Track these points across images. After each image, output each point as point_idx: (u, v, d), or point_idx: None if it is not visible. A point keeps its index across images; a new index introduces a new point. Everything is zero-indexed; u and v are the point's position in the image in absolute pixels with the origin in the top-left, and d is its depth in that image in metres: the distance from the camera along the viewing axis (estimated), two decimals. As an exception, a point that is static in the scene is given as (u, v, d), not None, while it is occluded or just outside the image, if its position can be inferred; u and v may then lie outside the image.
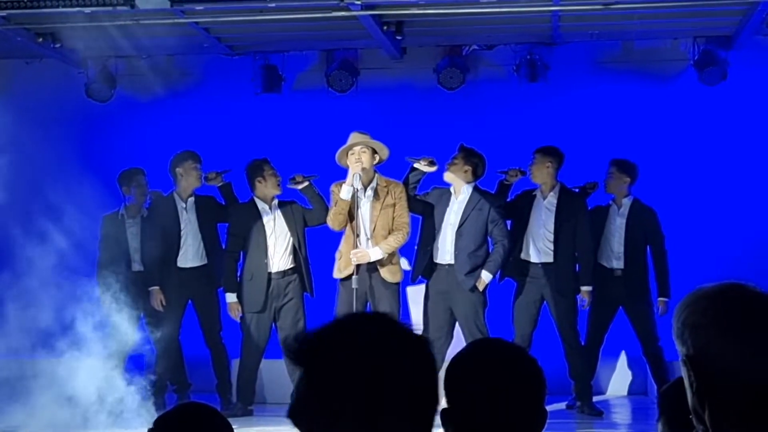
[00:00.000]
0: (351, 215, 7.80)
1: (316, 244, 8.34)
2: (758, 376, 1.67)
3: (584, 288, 8.18)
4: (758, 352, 1.70)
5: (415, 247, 8.21)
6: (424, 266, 8.09)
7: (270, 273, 8.12)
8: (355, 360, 1.49)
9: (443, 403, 2.10)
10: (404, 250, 8.15)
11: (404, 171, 8.38)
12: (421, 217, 8.18)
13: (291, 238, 8.16)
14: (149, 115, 9.69)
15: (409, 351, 1.52)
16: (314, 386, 1.52)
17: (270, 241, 8.13)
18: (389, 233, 7.84)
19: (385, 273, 7.81)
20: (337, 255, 7.96)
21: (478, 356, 2.08)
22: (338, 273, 7.90)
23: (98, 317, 8.26)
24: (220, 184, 8.46)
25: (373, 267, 7.79)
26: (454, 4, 8.27)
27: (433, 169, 8.00)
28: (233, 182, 8.51)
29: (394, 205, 7.86)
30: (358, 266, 7.68)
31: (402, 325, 1.55)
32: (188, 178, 8.40)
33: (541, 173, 8.24)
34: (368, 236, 7.82)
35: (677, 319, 1.78)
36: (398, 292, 7.95)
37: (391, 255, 7.85)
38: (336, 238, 8.04)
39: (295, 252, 8.18)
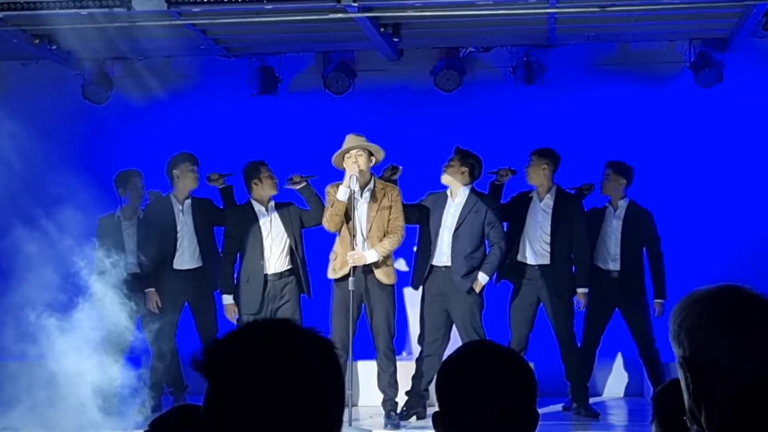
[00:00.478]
0: (347, 217, 7.81)
1: (311, 245, 8.34)
2: (754, 378, 1.67)
3: (580, 290, 8.19)
4: (754, 353, 1.70)
5: (414, 248, 8.21)
6: (425, 274, 8.09)
7: (266, 275, 8.12)
8: (259, 366, 1.50)
9: (435, 407, 2.10)
10: (399, 252, 8.16)
11: (403, 175, 8.40)
12: (418, 224, 8.18)
13: (288, 240, 8.16)
14: (146, 116, 9.68)
15: (313, 353, 1.54)
16: (221, 396, 1.52)
17: (266, 243, 8.13)
18: (384, 235, 7.85)
19: (381, 275, 7.82)
20: (332, 256, 7.96)
21: (468, 359, 2.09)
22: (333, 273, 7.91)
23: (94, 319, 8.25)
24: (221, 186, 8.46)
25: (368, 269, 7.80)
26: (450, 6, 8.27)
27: (398, 172, 8.04)
28: (232, 184, 8.51)
29: (390, 207, 7.87)
30: (353, 268, 7.69)
31: (305, 328, 1.57)
32: (185, 180, 8.39)
33: (538, 175, 8.25)
34: (364, 238, 7.82)
35: (674, 321, 1.79)
36: (393, 293, 7.95)
37: (387, 257, 7.86)
38: (332, 238, 8.04)
39: (291, 253, 8.18)
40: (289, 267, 8.17)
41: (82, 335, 8.04)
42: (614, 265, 8.34)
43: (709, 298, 1.77)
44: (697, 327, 1.74)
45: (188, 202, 8.42)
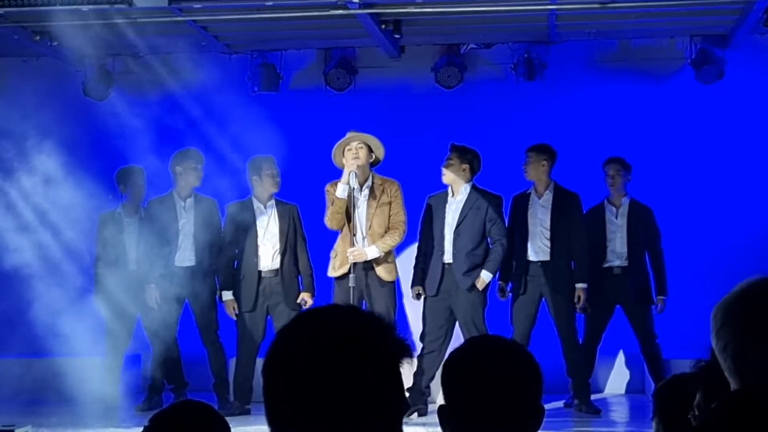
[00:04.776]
0: (347, 214, 7.79)
1: (310, 244, 8.31)
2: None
3: (579, 285, 8.17)
4: None
5: (417, 248, 8.22)
6: (426, 273, 8.09)
7: (260, 272, 8.10)
8: (317, 356, 1.52)
9: (441, 400, 2.10)
10: (399, 250, 8.16)
11: (402, 170, 8.39)
12: (420, 225, 8.16)
13: (282, 239, 8.12)
14: (146, 113, 9.66)
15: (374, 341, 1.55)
16: (282, 390, 1.55)
17: (260, 241, 8.10)
18: (385, 232, 7.84)
19: (381, 272, 7.81)
20: (332, 254, 7.95)
21: (474, 353, 2.09)
22: (333, 271, 7.90)
23: (95, 315, 8.26)
24: None
25: (369, 266, 7.78)
26: (451, 2, 8.27)
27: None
28: (233, 181, 8.49)
29: (389, 203, 7.86)
30: (354, 264, 7.67)
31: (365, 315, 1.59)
32: (187, 178, 8.35)
33: (537, 171, 8.24)
34: (364, 235, 7.81)
35: (715, 316, 1.82)
36: (394, 290, 7.94)
37: (387, 254, 7.85)
38: (329, 238, 8.02)
39: (285, 252, 8.15)
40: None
41: (83, 332, 8.05)
42: (620, 263, 8.33)
43: (749, 292, 1.81)
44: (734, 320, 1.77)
45: (190, 200, 8.39)
